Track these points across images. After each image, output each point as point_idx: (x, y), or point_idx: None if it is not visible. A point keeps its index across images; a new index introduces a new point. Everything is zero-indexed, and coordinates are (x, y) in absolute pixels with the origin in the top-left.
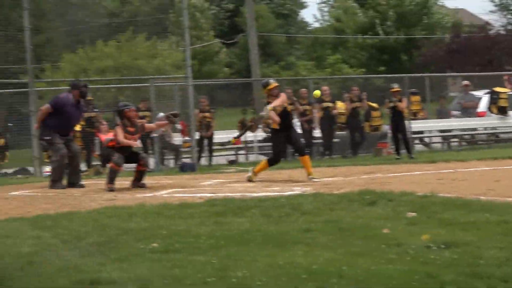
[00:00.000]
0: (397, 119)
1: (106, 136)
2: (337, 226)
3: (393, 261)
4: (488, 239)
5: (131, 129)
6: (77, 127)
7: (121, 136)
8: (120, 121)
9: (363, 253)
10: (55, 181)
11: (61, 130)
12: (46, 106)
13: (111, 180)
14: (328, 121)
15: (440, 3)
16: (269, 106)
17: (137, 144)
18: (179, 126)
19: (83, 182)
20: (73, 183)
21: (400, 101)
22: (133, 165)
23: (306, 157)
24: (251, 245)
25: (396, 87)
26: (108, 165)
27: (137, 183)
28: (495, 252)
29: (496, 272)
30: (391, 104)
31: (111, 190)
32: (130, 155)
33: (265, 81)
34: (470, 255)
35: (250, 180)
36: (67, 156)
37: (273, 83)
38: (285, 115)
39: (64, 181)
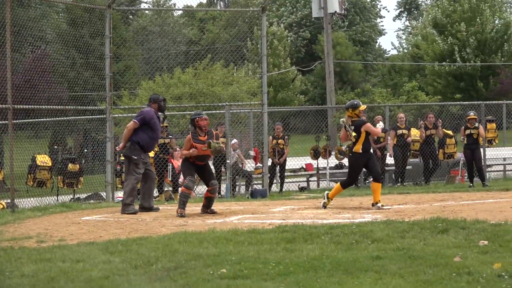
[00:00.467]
0: (473, 147)
1: (179, 163)
2: (407, 254)
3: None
4: None
5: (202, 138)
6: (151, 153)
7: (184, 148)
8: (192, 130)
9: (433, 281)
10: (127, 205)
11: (149, 144)
12: (132, 123)
13: (182, 204)
14: (402, 148)
15: None
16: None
17: (206, 151)
18: (252, 153)
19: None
20: (145, 207)
21: (476, 128)
22: (204, 190)
23: (379, 185)
24: (320, 272)
25: (472, 114)
26: (179, 190)
27: (206, 209)
28: None
29: None
30: (467, 131)
31: (182, 215)
32: (203, 171)
33: (356, 102)
34: None
35: (324, 205)
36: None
37: (362, 105)
38: (367, 141)
39: (136, 206)
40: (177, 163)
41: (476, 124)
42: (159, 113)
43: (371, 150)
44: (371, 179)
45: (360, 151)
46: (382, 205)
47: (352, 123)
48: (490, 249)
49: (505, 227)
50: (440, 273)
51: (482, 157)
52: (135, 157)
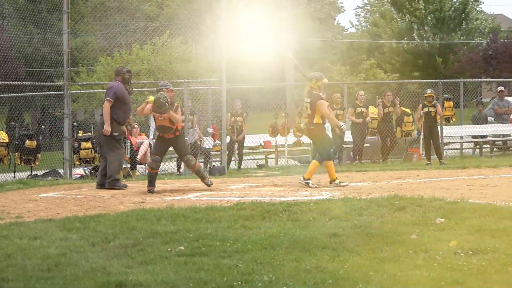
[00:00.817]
0: (431, 125)
1: (137, 139)
2: (364, 231)
3: (420, 267)
4: None
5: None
6: None
7: (145, 109)
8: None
9: (390, 258)
10: (117, 180)
11: (124, 118)
12: (107, 102)
13: (149, 183)
14: (360, 126)
15: (479, 9)
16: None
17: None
18: (210, 130)
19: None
20: (103, 184)
21: (434, 106)
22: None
23: (331, 162)
24: (278, 250)
25: (429, 92)
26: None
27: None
28: None
29: None
30: (425, 109)
31: (151, 191)
32: (175, 146)
33: (318, 74)
34: (498, 262)
35: (308, 185)
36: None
37: (325, 79)
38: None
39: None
40: (135, 140)
41: (434, 102)
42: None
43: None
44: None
45: (321, 121)
46: (339, 182)
47: (309, 95)
48: (446, 227)
49: (461, 204)
50: (397, 250)
51: (440, 135)
52: (116, 133)
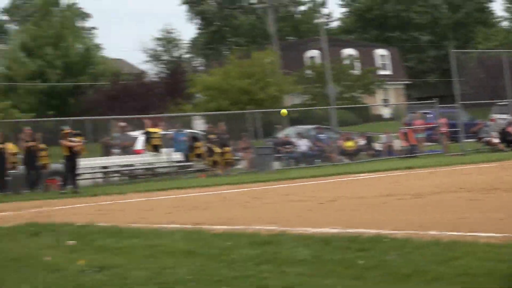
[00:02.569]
0: (74, 157)
1: None
2: (4, 256)
3: (50, 285)
4: (135, 261)
5: None
6: None
7: None
8: None
9: (26, 279)
10: None
11: None
12: None
13: None
14: (1, 161)
15: (102, 54)
16: None
17: None
18: None
19: None
20: None
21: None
22: None
23: None
24: None
25: (66, 128)
26: None
27: None
28: (140, 272)
29: None
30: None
31: None
32: None
33: None
34: (119, 276)
35: None
36: None
37: None
38: None
39: None
40: None
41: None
42: None
43: None
44: None
45: None
46: None
47: None
48: (77, 248)
49: (89, 228)
50: (33, 272)
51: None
52: None
